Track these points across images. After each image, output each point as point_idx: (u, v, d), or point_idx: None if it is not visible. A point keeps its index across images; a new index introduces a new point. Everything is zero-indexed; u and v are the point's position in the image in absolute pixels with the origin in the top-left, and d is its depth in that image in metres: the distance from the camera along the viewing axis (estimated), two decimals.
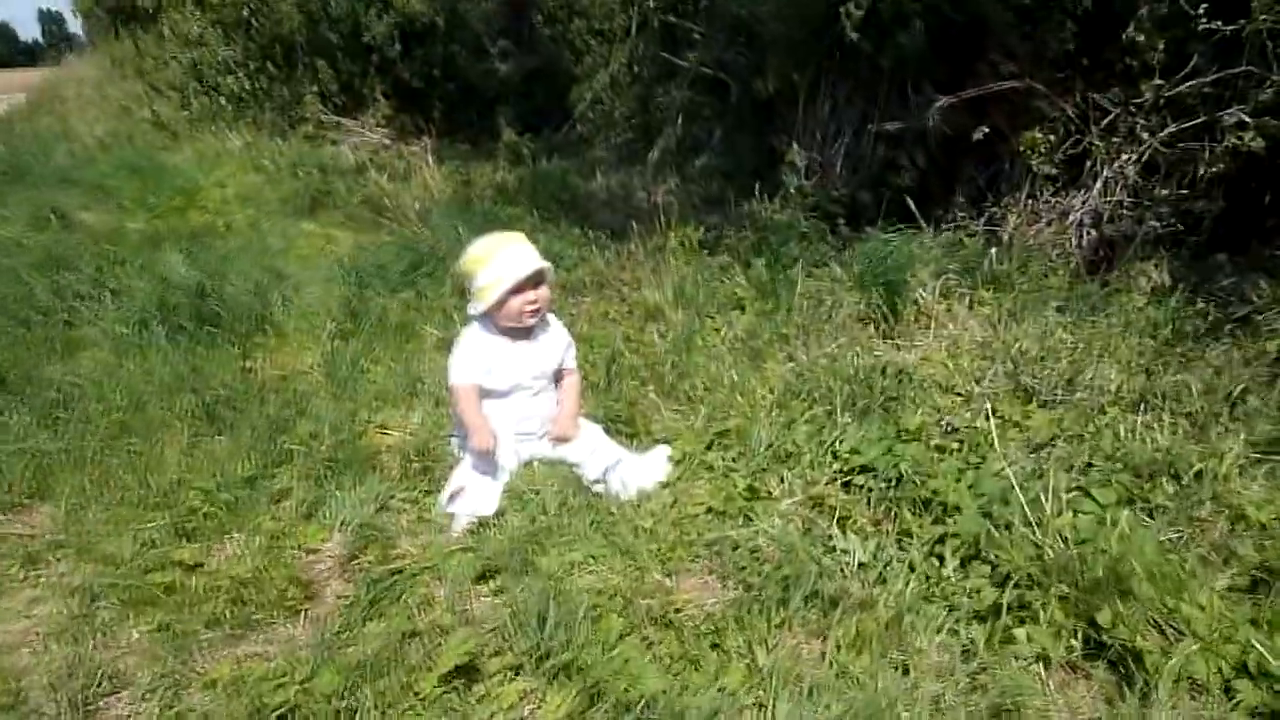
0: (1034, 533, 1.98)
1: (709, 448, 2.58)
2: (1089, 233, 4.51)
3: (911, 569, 2.02)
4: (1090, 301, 3.80)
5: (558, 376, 2.69)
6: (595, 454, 2.49)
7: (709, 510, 2.30)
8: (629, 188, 7.12)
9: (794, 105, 5.97)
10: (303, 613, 2.01)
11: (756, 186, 5.44)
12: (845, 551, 2.08)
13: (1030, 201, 4.80)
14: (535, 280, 2.49)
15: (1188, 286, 3.85)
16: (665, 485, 2.41)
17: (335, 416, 2.83)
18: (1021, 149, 4.65)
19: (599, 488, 2.43)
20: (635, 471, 2.43)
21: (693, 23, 7.53)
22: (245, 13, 9.17)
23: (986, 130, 4.78)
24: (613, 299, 4.20)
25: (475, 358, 2.53)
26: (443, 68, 9.35)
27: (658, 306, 3.91)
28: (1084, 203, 4.54)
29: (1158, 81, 4.23)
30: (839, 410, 2.80)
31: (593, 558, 2.10)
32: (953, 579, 1.98)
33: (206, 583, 2.08)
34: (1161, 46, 4.16)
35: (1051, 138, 4.62)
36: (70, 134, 9.62)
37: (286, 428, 2.75)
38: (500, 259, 2.46)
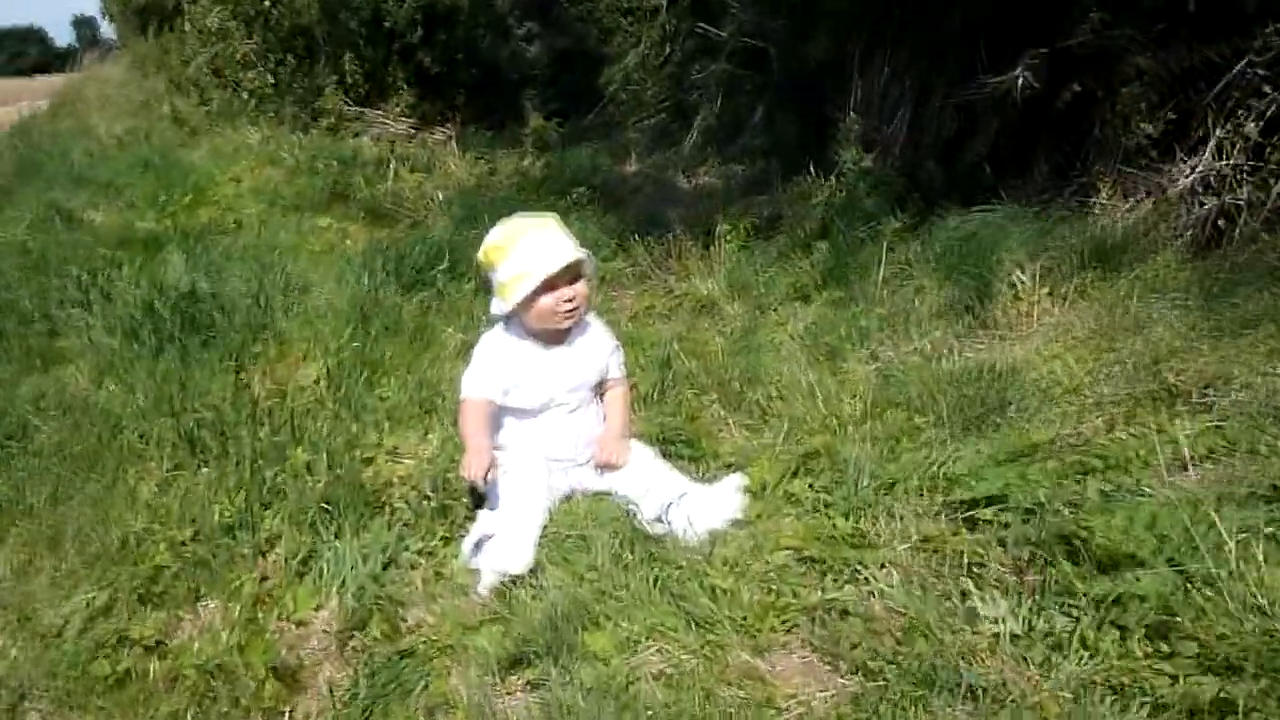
0: (1258, 595, 1.47)
1: (794, 474, 2.08)
2: (1201, 203, 3.94)
3: (1085, 645, 1.51)
4: (1218, 282, 3.24)
5: (601, 388, 2.22)
6: (652, 487, 2.00)
7: (801, 559, 1.80)
8: (665, 171, 6.64)
9: (845, 74, 5.43)
10: (285, 713, 1.55)
11: (810, 164, 4.91)
12: (988, 619, 1.58)
13: (1126, 170, 4.23)
14: (571, 274, 2.01)
15: None
16: (742, 524, 1.92)
17: (337, 442, 2.37)
18: (1116, 108, 4.09)
19: (659, 529, 1.94)
20: (703, 507, 1.94)
21: None
22: (265, 4, 8.81)
23: (1075, 89, 4.24)
24: (656, 291, 3.73)
25: (496, 368, 2.06)
26: (466, 52, 8.92)
27: (710, 298, 3.43)
28: (1194, 169, 3.96)
29: None
30: (945, 421, 2.30)
31: (658, 630, 1.62)
32: (1144, 660, 1.46)
33: (167, 670, 1.64)
34: None
35: (1153, 95, 4.05)
36: (89, 133, 9.36)
37: (280, 457, 2.30)
38: (525, 247, 1.98)
